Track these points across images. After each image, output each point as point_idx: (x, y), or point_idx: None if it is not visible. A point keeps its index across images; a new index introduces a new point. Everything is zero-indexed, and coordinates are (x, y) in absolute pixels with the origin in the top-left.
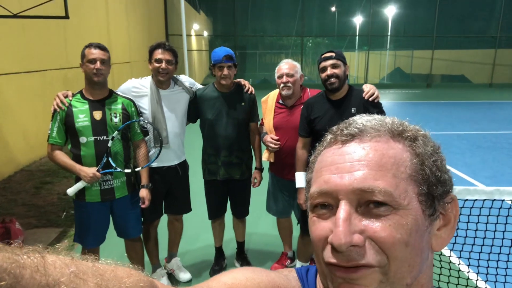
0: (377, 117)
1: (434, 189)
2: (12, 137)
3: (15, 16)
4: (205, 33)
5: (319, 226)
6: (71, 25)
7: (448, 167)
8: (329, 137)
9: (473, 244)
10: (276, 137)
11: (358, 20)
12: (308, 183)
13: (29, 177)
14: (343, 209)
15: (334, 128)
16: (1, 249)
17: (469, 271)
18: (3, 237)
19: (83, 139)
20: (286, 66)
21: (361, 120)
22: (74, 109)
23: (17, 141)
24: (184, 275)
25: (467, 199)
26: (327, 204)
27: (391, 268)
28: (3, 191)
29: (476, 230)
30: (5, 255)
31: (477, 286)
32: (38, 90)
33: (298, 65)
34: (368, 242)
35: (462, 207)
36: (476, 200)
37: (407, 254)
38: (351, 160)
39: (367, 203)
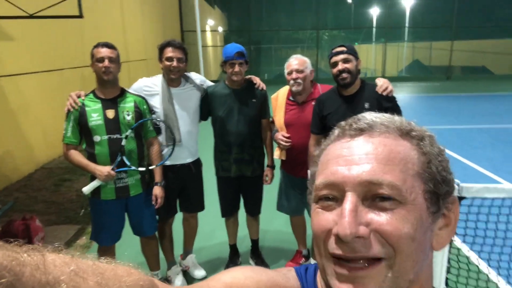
0: (386, 115)
1: (439, 187)
2: (33, 135)
3: (31, 16)
4: (220, 29)
5: (323, 218)
6: (87, 24)
7: (468, 162)
8: (336, 131)
9: (493, 245)
10: (287, 135)
11: (375, 11)
12: (313, 176)
13: (49, 175)
14: (350, 200)
15: (342, 123)
16: (1, 247)
17: (489, 273)
18: (24, 234)
19: (96, 138)
20: (296, 61)
21: (371, 116)
22: (87, 109)
23: (37, 139)
24: (199, 272)
25: (485, 198)
26: (332, 196)
27: (396, 261)
28: (24, 188)
29: (496, 230)
30: (5, 253)
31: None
32: (56, 89)
33: (307, 60)
34: (373, 235)
35: (481, 206)
36: (496, 198)
37: (413, 248)
38: (359, 153)
39: (374, 197)
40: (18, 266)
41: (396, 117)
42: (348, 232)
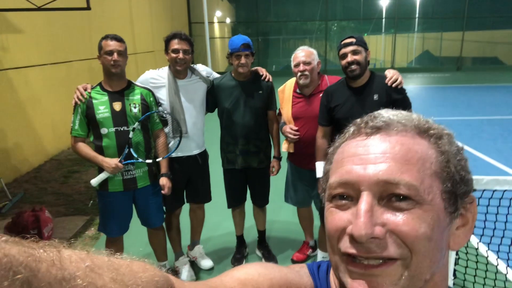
0: (403, 112)
1: (458, 187)
2: (41, 127)
3: (39, 8)
4: (228, 20)
5: (337, 217)
6: (95, 16)
7: (478, 153)
8: (352, 129)
9: (503, 237)
10: (295, 128)
11: (384, 2)
12: (326, 174)
13: (58, 166)
14: (365, 200)
15: (358, 120)
16: (17, 243)
17: (498, 264)
18: (33, 225)
19: (104, 130)
20: (302, 53)
21: (388, 114)
22: (94, 101)
23: (46, 131)
24: (206, 263)
25: (496, 190)
26: (347, 195)
27: (413, 262)
28: (34, 180)
29: (506, 222)
30: (21, 249)
31: (506, 280)
32: (64, 81)
33: (314, 51)
34: (389, 235)
35: (491, 198)
36: (506, 190)
37: (430, 249)
38: (375, 152)
39: (390, 197)
40: (34, 262)
41: (414, 115)
42: (363, 233)
